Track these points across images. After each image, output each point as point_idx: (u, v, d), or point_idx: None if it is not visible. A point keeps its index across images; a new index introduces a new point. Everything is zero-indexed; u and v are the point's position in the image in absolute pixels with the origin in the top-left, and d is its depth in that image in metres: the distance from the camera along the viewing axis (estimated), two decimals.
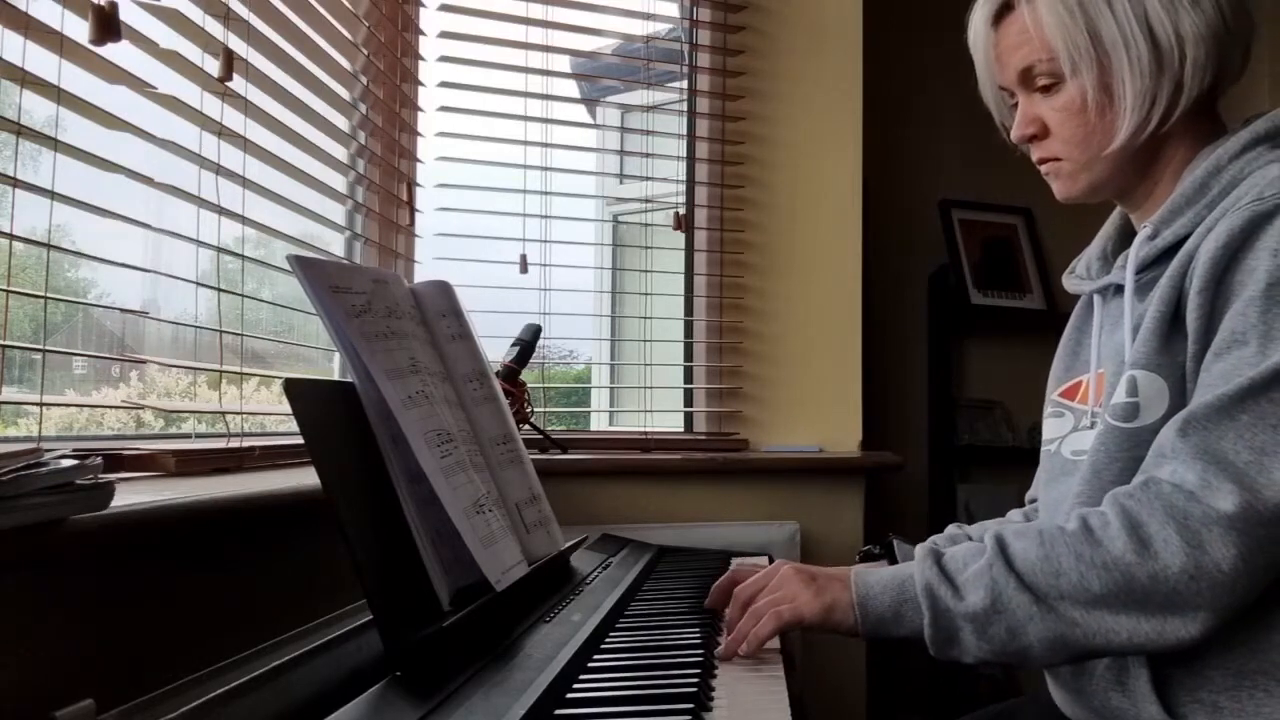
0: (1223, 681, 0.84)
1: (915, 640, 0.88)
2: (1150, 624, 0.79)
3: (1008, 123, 1.04)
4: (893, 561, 1.11)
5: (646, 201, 2.04)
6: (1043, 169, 1.02)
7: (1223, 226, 0.85)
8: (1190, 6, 0.91)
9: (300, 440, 0.76)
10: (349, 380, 0.88)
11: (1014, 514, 1.21)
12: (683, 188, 2.07)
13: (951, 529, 1.18)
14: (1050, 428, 1.07)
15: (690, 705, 0.73)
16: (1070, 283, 1.10)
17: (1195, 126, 0.96)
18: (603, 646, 0.93)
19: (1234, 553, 0.76)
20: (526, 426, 1.69)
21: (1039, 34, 0.95)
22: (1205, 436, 0.80)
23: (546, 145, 1.90)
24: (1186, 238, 0.91)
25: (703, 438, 2.00)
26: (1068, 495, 0.96)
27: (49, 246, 0.91)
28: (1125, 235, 1.07)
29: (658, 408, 2.00)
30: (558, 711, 0.73)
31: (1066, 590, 0.81)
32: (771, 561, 1.52)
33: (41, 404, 0.90)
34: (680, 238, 2.04)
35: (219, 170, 1.18)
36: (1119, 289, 0.98)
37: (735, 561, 1.47)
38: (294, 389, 0.78)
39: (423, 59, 1.82)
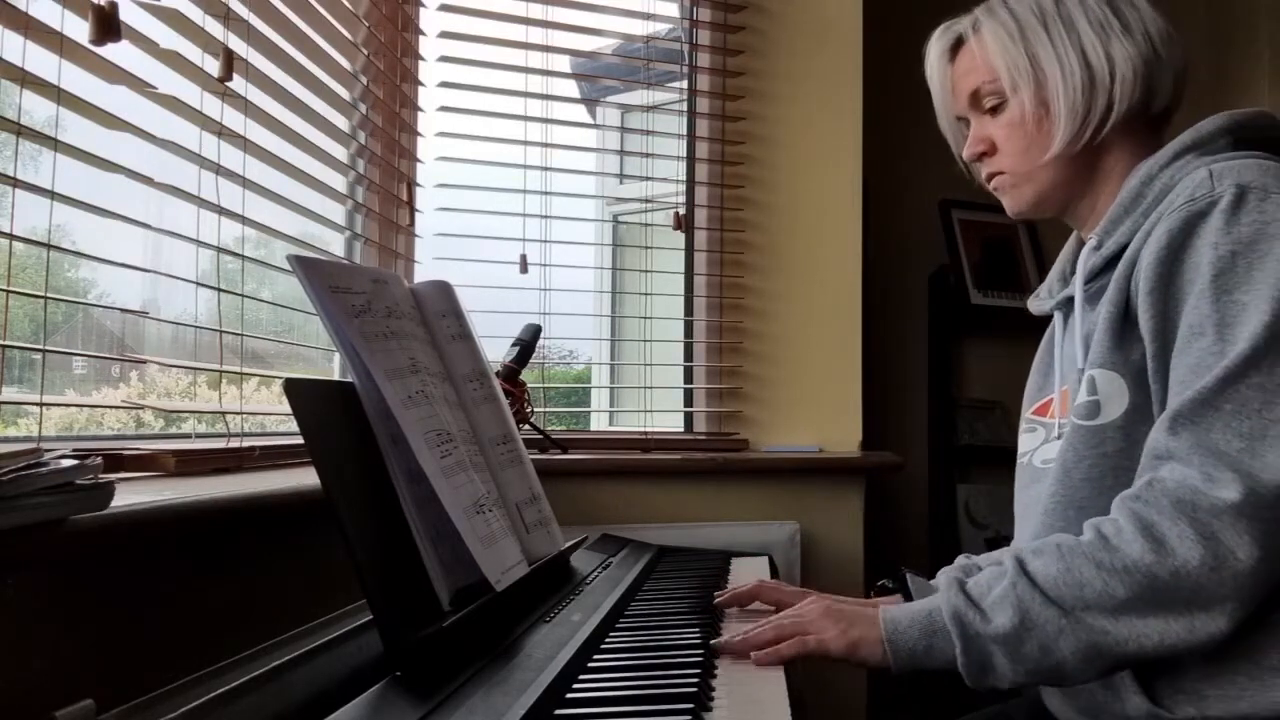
0: (1203, 669, 0.85)
1: (950, 673, 0.87)
2: (1180, 623, 0.80)
3: (963, 152, 1.13)
4: (906, 594, 1.11)
5: (646, 201, 2.04)
6: (991, 185, 1.10)
7: (1161, 229, 0.89)
8: (1121, 35, 1.00)
9: (300, 440, 0.76)
10: (349, 380, 0.88)
11: None
12: (683, 188, 2.06)
13: (961, 559, 1.18)
14: (1023, 442, 1.10)
15: (690, 705, 0.73)
16: (1034, 304, 1.14)
17: (1134, 144, 1.03)
18: (603, 646, 0.93)
19: (1247, 539, 0.77)
20: (526, 426, 1.69)
21: (984, 58, 1.06)
22: (1195, 431, 0.81)
23: (546, 145, 1.90)
24: (1129, 244, 0.95)
25: (703, 438, 2.00)
26: (1040, 498, 0.99)
27: (49, 246, 0.91)
28: None
29: (658, 408, 2.00)
30: (558, 711, 0.73)
31: (1092, 600, 0.81)
32: (772, 563, 1.53)
33: (41, 404, 0.90)
34: (680, 238, 2.04)
35: (219, 170, 1.18)
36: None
37: (735, 563, 1.47)
38: (294, 389, 0.78)
39: (423, 59, 1.82)
